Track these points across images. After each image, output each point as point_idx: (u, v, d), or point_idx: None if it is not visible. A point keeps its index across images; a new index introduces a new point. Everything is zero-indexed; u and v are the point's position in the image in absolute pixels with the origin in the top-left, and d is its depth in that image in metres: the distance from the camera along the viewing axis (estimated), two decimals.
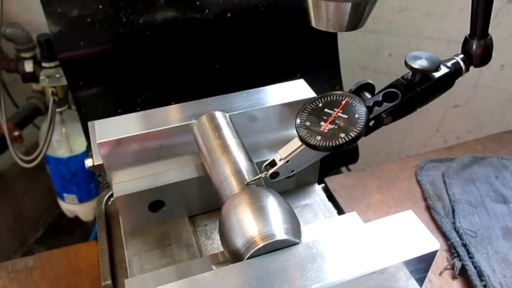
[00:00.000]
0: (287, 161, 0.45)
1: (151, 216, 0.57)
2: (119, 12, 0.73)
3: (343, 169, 1.12)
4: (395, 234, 0.42)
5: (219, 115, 0.53)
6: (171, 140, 0.53)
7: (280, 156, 0.46)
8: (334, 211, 0.61)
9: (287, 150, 0.46)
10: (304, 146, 0.45)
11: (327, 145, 0.43)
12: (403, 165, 0.76)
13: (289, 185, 0.63)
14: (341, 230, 0.45)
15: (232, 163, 0.48)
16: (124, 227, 0.57)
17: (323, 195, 0.64)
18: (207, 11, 0.77)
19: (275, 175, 0.46)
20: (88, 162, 0.55)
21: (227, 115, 0.54)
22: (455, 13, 1.19)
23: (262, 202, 0.42)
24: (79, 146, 1.18)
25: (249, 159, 0.49)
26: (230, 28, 0.80)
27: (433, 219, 0.66)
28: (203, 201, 0.59)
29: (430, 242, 0.42)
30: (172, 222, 0.59)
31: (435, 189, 0.71)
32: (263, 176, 0.47)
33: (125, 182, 0.54)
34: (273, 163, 0.46)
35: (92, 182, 1.25)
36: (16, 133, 1.20)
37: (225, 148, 0.49)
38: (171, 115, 0.54)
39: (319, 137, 0.43)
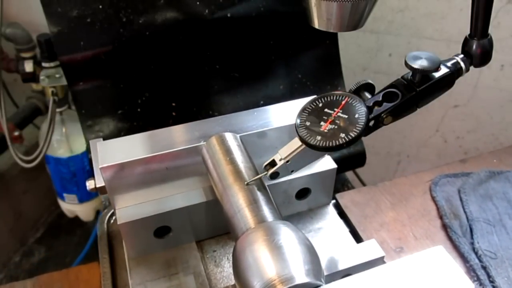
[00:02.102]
0: (287, 161, 0.45)
1: (157, 242, 0.54)
2: (119, 12, 0.73)
3: (349, 174, 1.11)
4: (425, 274, 0.39)
5: (229, 136, 0.51)
6: (178, 163, 0.51)
7: (280, 156, 0.46)
8: (350, 236, 0.59)
9: (287, 150, 0.46)
10: (304, 146, 0.44)
11: (327, 145, 0.43)
12: (416, 180, 0.73)
13: (302, 207, 0.62)
14: (364, 269, 0.41)
15: (245, 192, 0.45)
16: (128, 254, 0.55)
17: (337, 217, 0.62)
18: (207, 11, 0.77)
19: (275, 175, 0.46)
20: (90, 184, 0.52)
21: (238, 136, 0.52)
22: (455, 13, 1.19)
23: (280, 240, 0.39)
24: (79, 146, 1.18)
25: (263, 187, 0.47)
26: (230, 28, 0.80)
27: (450, 239, 0.63)
28: (212, 226, 0.57)
29: (463, 283, 0.38)
30: (178, 248, 0.56)
31: (451, 206, 0.68)
32: (263, 176, 0.47)
33: (129, 207, 0.52)
34: (273, 163, 0.46)
35: None
36: (16, 133, 1.19)
37: (237, 174, 0.47)
38: (178, 136, 0.51)
39: (319, 137, 0.43)
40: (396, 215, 0.67)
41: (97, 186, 0.52)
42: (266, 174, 0.46)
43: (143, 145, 0.50)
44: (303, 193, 0.60)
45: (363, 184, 1.16)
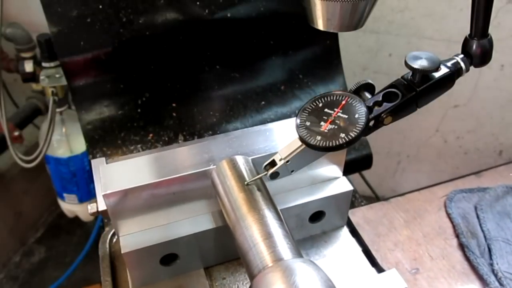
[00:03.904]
0: (287, 161, 0.45)
1: (163, 270, 0.52)
2: (119, 12, 0.73)
3: (356, 178, 1.11)
4: None
5: (240, 160, 0.48)
6: (186, 187, 0.48)
7: (280, 156, 0.46)
8: (366, 261, 0.57)
9: (287, 150, 0.46)
10: (304, 146, 0.44)
11: (327, 145, 0.43)
12: (430, 195, 0.71)
13: (315, 230, 0.59)
14: None
15: (260, 225, 0.42)
16: (132, 283, 0.52)
17: (352, 240, 0.59)
18: (207, 11, 0.77)
19: (275, 175, 0.46)
20: (92, 208, 0.50)
21: (249, 159, 0.49)
22: (455, 13, 1.19)
23: (300, 282, 0.36)
24: (79, 146, 1.18)
25: (279, 218, 0.44)
26: (230, 28, 0.80)
27: (468, 259, 0.61)
28: (221, 251, 0.54)
29: None
30: (186, 275, 0.53)
31: (467, 224, 0.65)
32: (262, 176, 0.47)
33: (133, 234, 0.49)
34: (273, 163, 0.46)
35: (92, 182, 1.25)
36: (16, 133, 1.19)
37: (251, 204, 0.44)
38: (186, 159, 0.48)
39: (319, 137, 0.43)
40: (410, 233, 0.65)
41: (99, 210, 0.50)
42: (266, 174, 0.46)
43: (149, 169, 0.47)
44: (317, 216, 0.57)
45: (367, 184, 1.15)
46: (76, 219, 1.35)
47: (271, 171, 0.46)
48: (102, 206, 0.49)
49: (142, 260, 0.49)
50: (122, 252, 0.48)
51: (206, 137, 0.78)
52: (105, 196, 0.46)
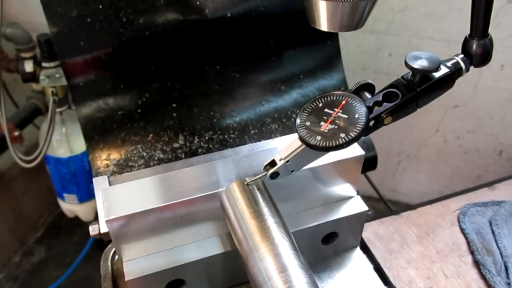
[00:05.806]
0: (287, 161, 0.45)
1: None
2: (119, 12, 0.73)
3: (364, 183, 1.10)
4: None
5: None
6: (194, 210, 0.46)
7: (280, 156, 0.46)
8: (379, 280, 0.55)
9: (287, 150, 0.46)
10: (304, 146, 0.44)
11: (327, 145, 0.43)
12: (443, 209, 0.69)
13: (328, 251, 0.57)
14: None
15: (274, 256, 0.40)
16: None
17: (364, 259, 0.57)
18: (207, 11, 0.77)
19: (275, 175, 0.46)
20: (94, 230, 0.48)
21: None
22: (455, 13, 1.19)
23: None
24: (79, 146, 1.18)
25: (294, 247, 0.43)
26: (230, 28, 0.80)
27: (483, 277, 0.58)
28: (229, 275, 0.52)
29: None
30: None
31: (482, 240, 0.63)
32: (262, 176, 0.46)
33: (138, 260, 0.47)
34: (273, 163, 0.46)
35: (92, 182, 1.25)
36: (16, 133, 1.20)
37: (265, 232, 0.42)
38: (193, 181, 0.46)
39: (319, 137, 0.43)
40: (423, 249, 0.63)
41: (102, 232, 0.48)
42: (266, 174, 0.46)
43: (154, 192, 0.45)
44: (329, 237, 0.56)
45: (372, 186, 1.15)
46: (76, 219, 1.35)
47: (271, 171, 0.46)
48: (104, 229, 0.47)
49: (147, 286, 0.47)
50: (126, 279, 0.46)
51: (207, 137, 0.78)
52: (108, 221, 0.44)
